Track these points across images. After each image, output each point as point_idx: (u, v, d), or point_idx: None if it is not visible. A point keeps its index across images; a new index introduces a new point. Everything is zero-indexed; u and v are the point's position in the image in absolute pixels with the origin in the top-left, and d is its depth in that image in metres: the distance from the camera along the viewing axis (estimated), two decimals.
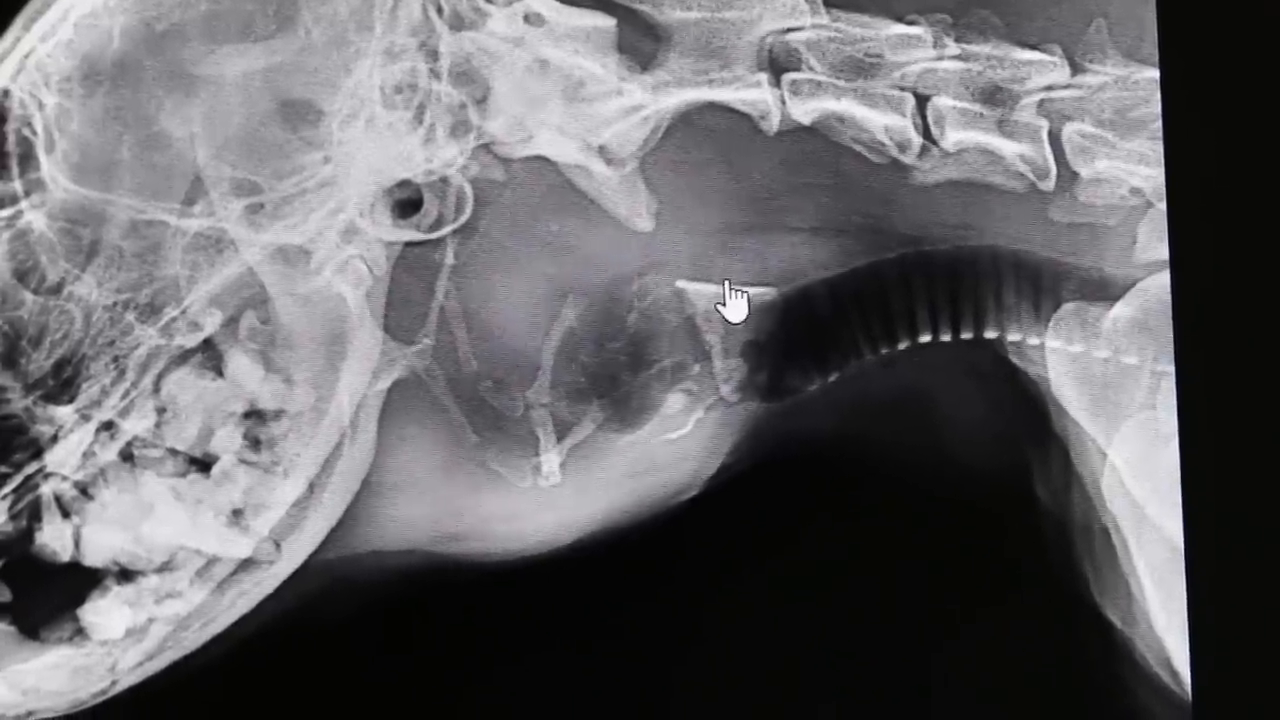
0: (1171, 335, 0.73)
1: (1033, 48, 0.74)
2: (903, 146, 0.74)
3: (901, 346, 0.74)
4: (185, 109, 0.73)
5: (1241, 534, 0.73)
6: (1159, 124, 0.73)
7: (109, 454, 0.74)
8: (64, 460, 0.73)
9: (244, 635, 0.75)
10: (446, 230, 0.74)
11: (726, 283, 0.72)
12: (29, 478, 0.73)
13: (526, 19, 0.74)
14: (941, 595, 0.75)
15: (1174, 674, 0.73)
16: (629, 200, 0.74)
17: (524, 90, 0.74)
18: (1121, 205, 0.74)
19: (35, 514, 0.73)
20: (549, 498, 0.75)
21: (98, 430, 0.74)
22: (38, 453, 0.73)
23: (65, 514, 0.74)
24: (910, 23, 0.74)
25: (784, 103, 0.74)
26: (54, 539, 0.73)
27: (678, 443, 0.75)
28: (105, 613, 0.74)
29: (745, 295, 0.72)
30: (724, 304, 0.72)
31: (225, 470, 0.74)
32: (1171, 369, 0.73)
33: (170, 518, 0.74)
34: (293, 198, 0.73)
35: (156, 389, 0.74)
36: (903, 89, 0.74)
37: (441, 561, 0.75)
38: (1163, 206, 0.73)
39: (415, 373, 0.74)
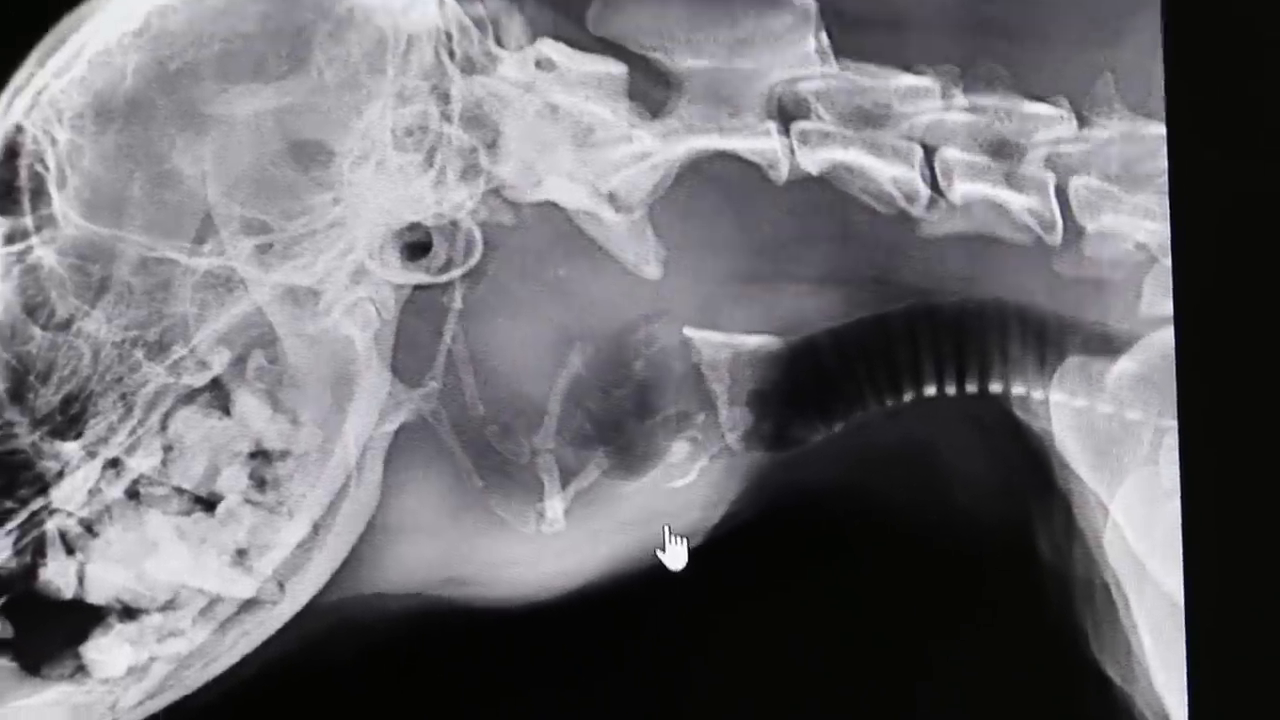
0: (1175, 391, 0.74)
1: (1040, 101, 0.74)
2: (910, 198, 0.74)
3: (906, 398, 0.75)
4: (197, 147, 0.73)
5: (1242, 591, 0.74)
6: (1165, 179, 0.74)
7: (115, 491, 0.74)
8: (69, 496, 0.74)
9: (246, 675, 0.75)
10: (455, 274, 0.74)
11: (666, 527, 0.73)
12: (34, 513, 0.74)
13: (538, 64, 0.74)
14: (942, 647, 0.75)
15: None
16: (637, 247, 0.74)
17: (534, 135, 0.74)
18: (1127, 260, 0.74)
19: (40, 550, 0.74)
20: (553, 543, 0.75)
21: (104, 467, 0.74)
22: (43, 488, 0.74)
23: (70, 550, 0.74)
24: (919, 74, 0.74)
25: (793, 152, 0.74)
26: (58, 575, 0.74)
27: (682, 491, 0.75)
28: (107, 650, 0.74)
29: (684, 541, 0.73)
30: (664, 550, 0.73)
31: (230, 510, 0.74)
32: (1174, 425, 0.74)
33: (174, 556, 0.74)
34: (302, 238, 0.73)
35: (163, 427, 0.74)
36: (911, 140, 0.74)
37: (445, 605, 0.75)
38: (1167, 262, 0.73)
39: (422, 416, 0.75)
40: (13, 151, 0.73)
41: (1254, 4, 0.74)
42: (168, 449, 0.74)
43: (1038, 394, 0.75)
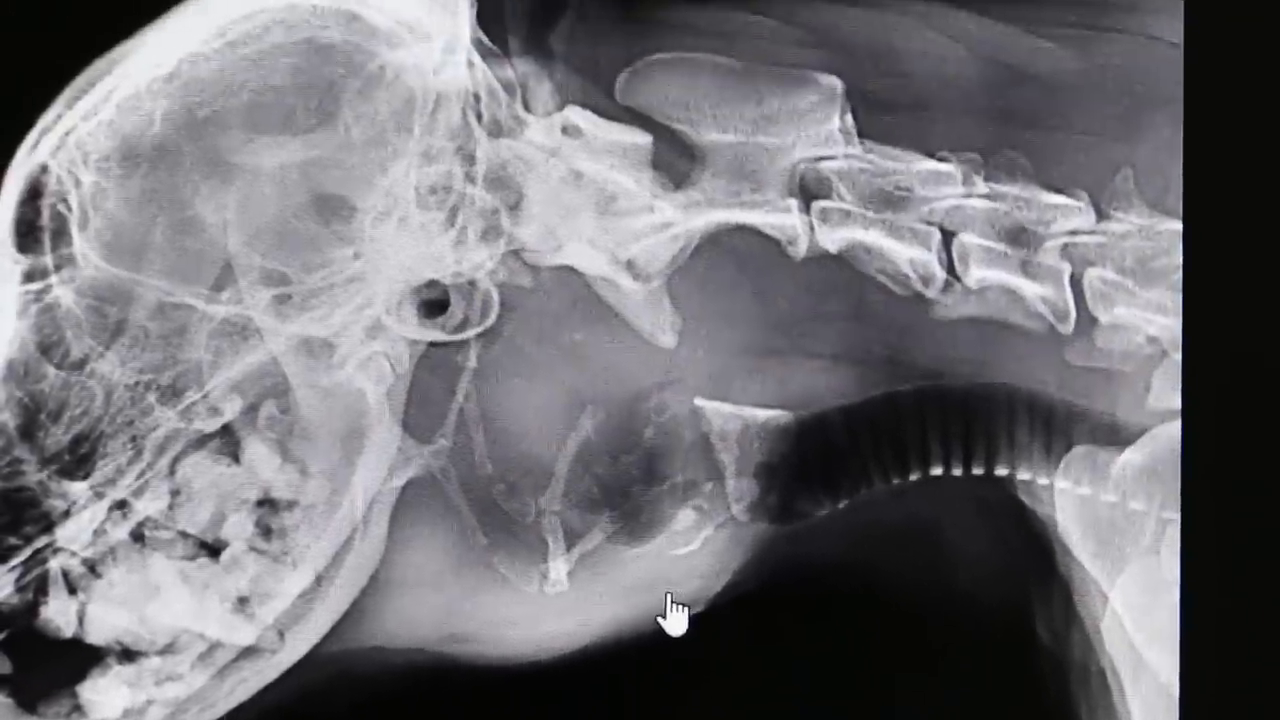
0: (1179, 484, 0.74)
1: (1060, 192, 0.75)
2: (926, 280, 0.75)
3: (913, 478, 0.75)
4: (220, 196, 0.73)
5: (1239, 685, 0.74)
6: (1179, 275, 0.74)
7: (120, 533, 0.74)
8: (74, 536, 0.74)
9: None
10: (471, 333, 0.75)
11: (668, 594, 0.73)
12: (38, 551, 0.74)
13: (564, 130, 0.75)
14: None
15: None
16: (653, 316, 0.75)
17: (557, 200, 0.74)
18: (1137, 353, 0.75)
19: (42, 588, 0.74)
20: (554, 605, 0.75)
21: (110, 508, 0.74)
22: (48, 527, 0.74)
23: (72, 590, 0.74)
24: (941, 159, 0.75)
25: (812, 229, 0.75)
26: (59, 614, 0.74)
27: (685, 559, 0.76)
28: (104, 691, 0.74)
29: (686, 608, 0.73)
30: (665, 616, 0.74)
31: (235, 557, 0.74)
32: (1177, 517, 0.74)
33: (176, 600, 0.74)
34: (321, 291, 0.74)
35: (172, 471, 0.74)
36: (930, 223, 0.75)
37: (444, 661, 0.75)
38: (1178, 357, 0.74)
39: (430, 472, 0.75)
40: (36, 191, 0.74)
41: (1274, 108, 0.74)
42: (175, 493, 0.74)
43: (1043, 480, 0.75)
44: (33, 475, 0.74)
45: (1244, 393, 0.74)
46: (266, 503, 0.74)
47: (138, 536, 0.74)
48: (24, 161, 0.74)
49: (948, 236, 0.75)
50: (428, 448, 0.75)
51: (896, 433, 0.75)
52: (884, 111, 0.75)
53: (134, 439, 0.74)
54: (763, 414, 0.75)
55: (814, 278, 0.75)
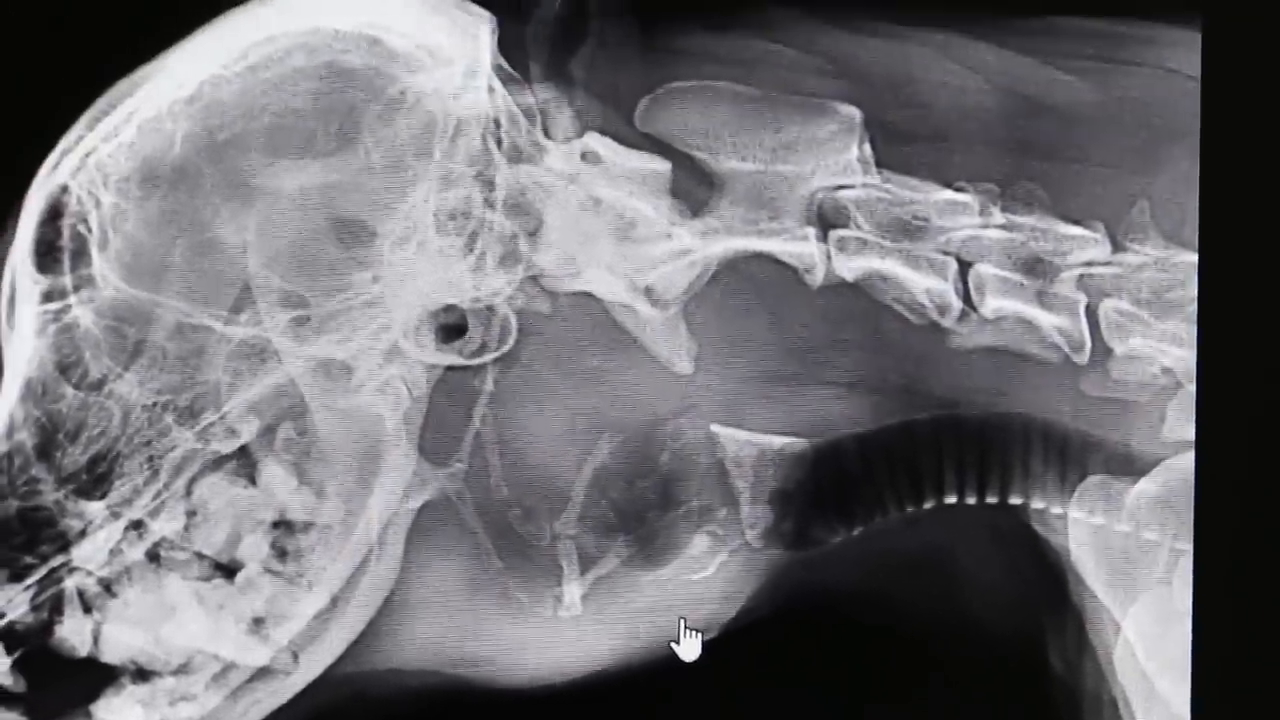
0: (1191, 515, 0.74)
1: (1076, 223, 0.75)
2: (942, 310, 0.75)
3: (927, 506, 0.76)
4: (240, 218, 0.74)
5: (1250, 715, 0.74)
6: (1194, 307, 0.75)
7: (136, 553, 0.74)
8: (90, 556, 0.74)
9: None
10: (488, 358, 0.75)
11: (681, 619, 0.74)
12: (54, 570, 0.74)
13: (584, 157, 0.75)
14: None
15: None
16: (670, 342, 0.75)
17: (576, 226, 0.75)
18: (1152, 384, 0.75)
19: (57, 607, 0.74)
20: (568, 628, 0.76)
21: (126, 528, 0.74)
22: (64, 546, 0.74)
23: (87, 609, 0.74)
24: (959, 189, 0.75)
25: (830, 258, 0.75)
26: (74, 633, 0.74)
27: (699, 584, 0.76)
28: (118, 711, 0.74)
29: (699, 634, 0.73)
30: (678, 641, 0.74)
31: (250, 578, 0.74)
32: (1189, 548, 0.74)
33: (191, 621, 0.74)
34: (339, 314, 0.74)
35: (188, 492, 0.74)
36: (946, 253, 0.75)
37: (458, 683, 0.75)
38: (1192, 388, 0.74)
39: (446, 495, 0.75)
40: (56, 211, 0.74)
41: None
42: (191, 514, 0.74)
43: (1057, 509, 0.76)
44: (50, 494, 0.74)
45: (1258, 425, 0.75)
46: (282, 524, 0.74)
47: (153, 557, 0.74)
48: (45, 182, 0.74)
49: (964, 266, 0.75)
50: (443, 471, 0.75)
51: (911, 461, 0.75)
52: (902, 141, 0.75)
53: (151, 459, 0.74)
54: (778, 441, 0.76)
55: (831, 306, 0.75)
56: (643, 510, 0.75)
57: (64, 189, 0.74)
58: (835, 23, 0.75)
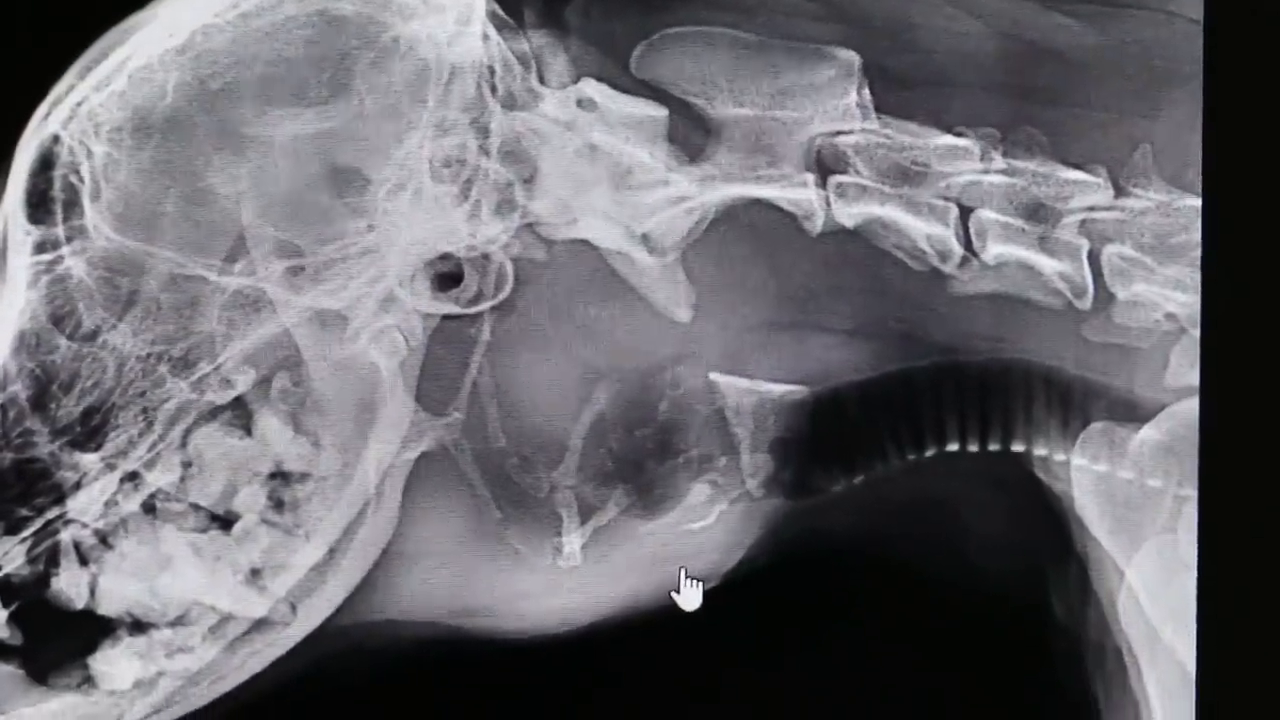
0: (1196, 461, 0.74)
1: (1078, 168, 0.74)
2: (943, 256, 0.74)
3: (928, 453, 0.75)
4: (233, 168, 0.73)
5: (1254, 665, 0.74)
6: (1198, 252, 0.74)
7: (131, 505, 0.74)
8: (86, 508, 0.73)
9: (253, 696, 0.75)
10: (485, 306, 0.74)
11: (682, 568, 0.73)
12: (49, 523, 0.73)
13: (579, 103, 0.74)
14: (950, 704, 0.75)
15: None
16: (668, 290, 0.75)
17: (572, 173, 0.74)
18: (1155, 329, 0.74)
19: (53, 559, 0.73)
20: (568, 578, 0.75)
21: (121, 480, 0.74)
22: (60, 498, 0.73)
23: (83, 561, 0.74)
24: (959, 134, 0.74)
25: (829, 204, 0.74)
26: (70, 586, 0.73)
27: (699, 533, 0.75)
28: (115, 663, 0.74)
29: (700, 583, 0.73)
30: (678, 591, 0.73)
31: (247, 529, 0.74)
32: (1194, 494, 0.74)
33: (188, 573, 0.74)
34: (334, 263, 0.73)
35: (184, 443, 0.74)
36: (947, 199, 0.74)
37: (456, 634, 0.75)
38: (1196, 334, 0.74)
39: (443, 445, 0.75)
40: (48, 162, 0.73)
41: None
42: (187, 465, 0.74)
43: (1060, 456, 0.75)
44: (44, 446, 0.73)
45: (1262, 370, 0.74)
46: (279, 475, 0.74)
47: (149, 508, 0.74)
48: (36, 132, 0.74)
49: (965, 212, 0.74)
50: (441, 421, 0.74)
51: (912, 408, 0.75)
52: (901, 86, 0.74)
53: (146, 411, 0.73)
54: (778, 389, 0.75)
55: (830, 252, 0.74)
56: (642, 459, 0.75)
57: (55, 139, 0.73)
58: None
